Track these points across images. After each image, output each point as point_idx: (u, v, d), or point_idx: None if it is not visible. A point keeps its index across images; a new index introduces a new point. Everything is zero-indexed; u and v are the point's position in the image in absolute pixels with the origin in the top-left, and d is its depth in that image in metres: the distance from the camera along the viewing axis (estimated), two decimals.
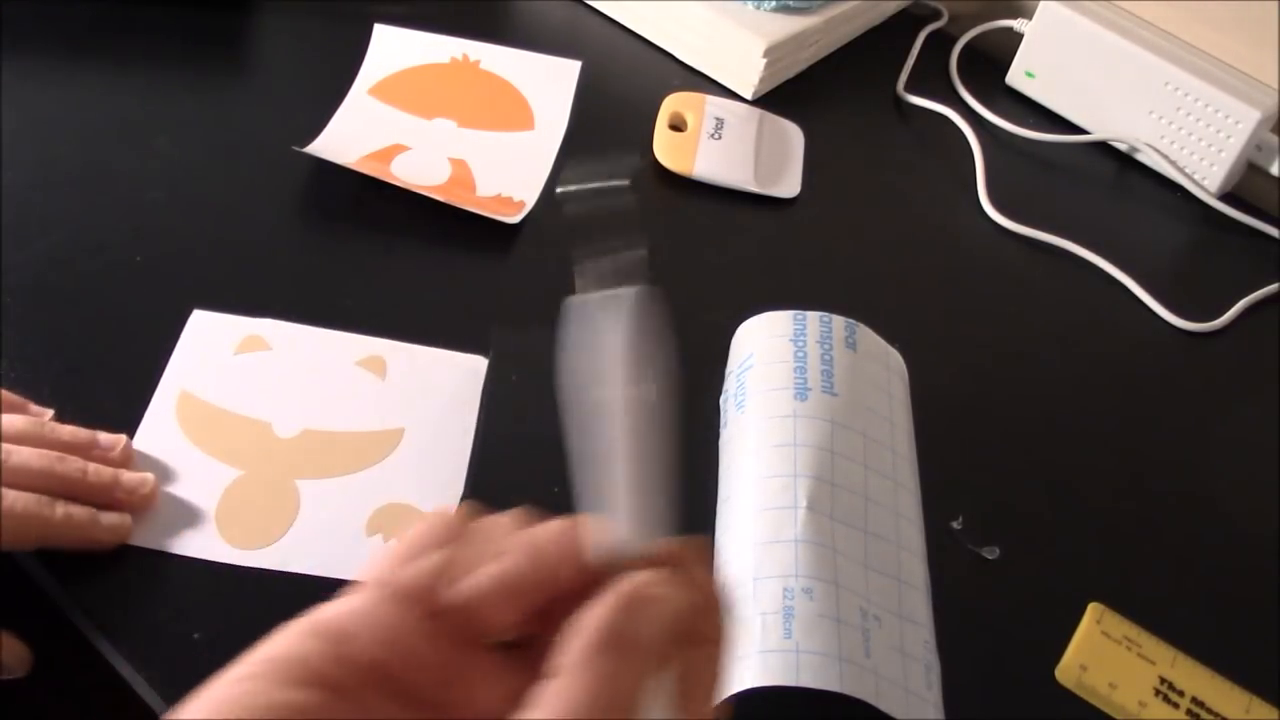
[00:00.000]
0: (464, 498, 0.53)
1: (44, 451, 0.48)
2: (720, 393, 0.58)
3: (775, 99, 0.80)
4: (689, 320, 0.64)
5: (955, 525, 0.57)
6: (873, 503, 0.50)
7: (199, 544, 0.49)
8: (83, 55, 0.70)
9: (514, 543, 0.32)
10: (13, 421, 0.48)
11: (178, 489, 0.51)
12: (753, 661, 0.44)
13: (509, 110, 0.74)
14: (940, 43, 0.89)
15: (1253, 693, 0.53)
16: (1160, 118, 0.81)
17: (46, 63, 0.69)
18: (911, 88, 0.84)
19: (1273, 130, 0.80)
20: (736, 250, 0.70)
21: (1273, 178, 0.82)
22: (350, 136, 0.69)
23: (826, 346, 0.54)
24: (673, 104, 0.76)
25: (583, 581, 0.31)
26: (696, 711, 0.31)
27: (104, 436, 0.50)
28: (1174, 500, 0.62)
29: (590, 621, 0.29)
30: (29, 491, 0.46)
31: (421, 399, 0.56)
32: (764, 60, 0.77)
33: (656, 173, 0.72)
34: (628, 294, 0.33)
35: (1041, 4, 0.83)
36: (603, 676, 0.28)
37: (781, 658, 0.44)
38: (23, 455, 0.47)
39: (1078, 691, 0.52)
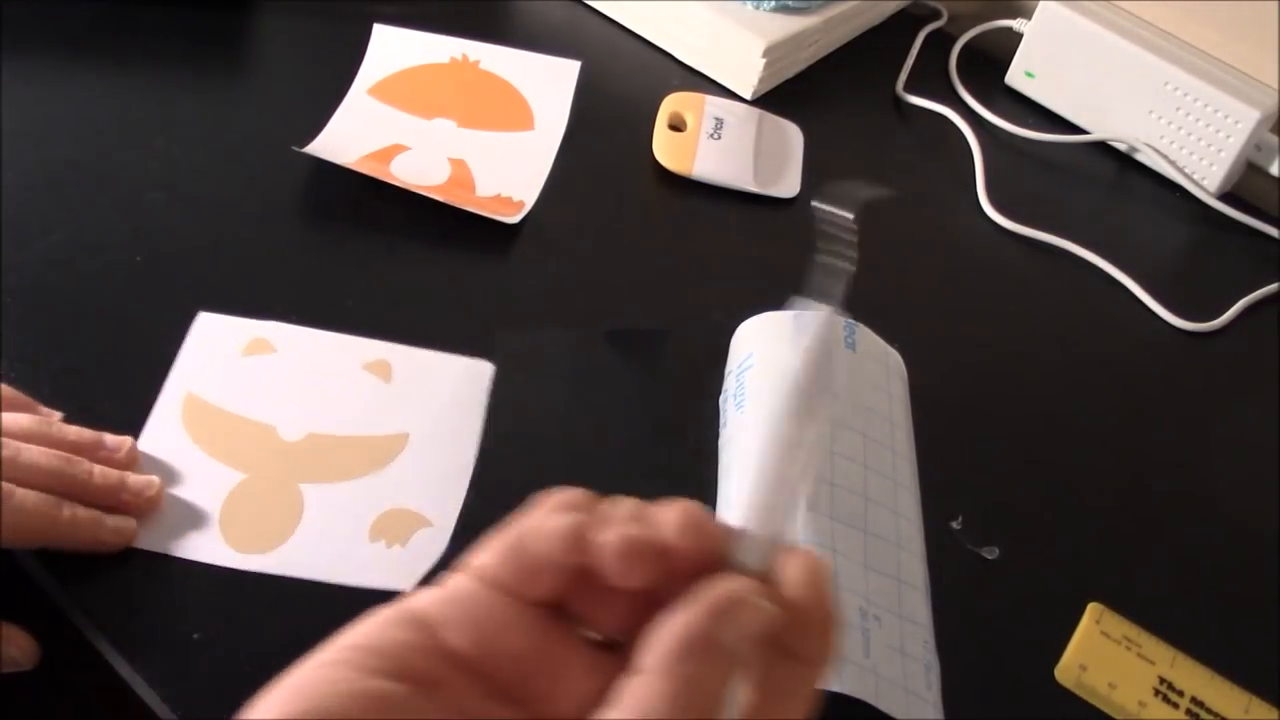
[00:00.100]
0: (467, 500, 0.53)
1: (52, 451, 0.48)
2: (720, 393, 0.58)
3: (775, 99, 0.80)
4: (689, 320, 0.64)
5: (955, 525, 0.57)
6: (872, 502, 0.50)
7: (202, 547, 0.49)
8: (83, 55, 0.70)
9: (632, 513, 0.31)
10: (19, 420, 0.48)
11: (182, 491, 0.51)
12: None
13: (509, 110, 0.74)
14: (940, 43, 0.89)
15: (1252, 693, 0.53)
16: (1160, 118, 0.81)
17: (46, 63, 0.69)
18: (911, 88, 0.84)
19: (1272, 130, 0.80)
20: (736, 250, 0.70)
21: (1272, 178, 0.82)
22: (350, 136, 0.69)
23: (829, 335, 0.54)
24: (672, 104, 0.76)
25: (693, 569, 0.31)
26: None
27: (110, 438, 0.50)
28: (1174, 500, 0.63)
29: (677, 623, 0.29)
30: (37, 491, 0.46)
31: (427, 403, 0.56)
32: (763, 60, 0.77)
33: (656, 173, 0.72)
34: (821, 313, 0.33)
35: (1041, 4, 0.83)
36: (684, 680, 0.28)
37: None
38: (31, 454, 0.47)
39: (1077, 691, 0.52)
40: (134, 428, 0.52)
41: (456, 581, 0.32)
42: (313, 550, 0.50)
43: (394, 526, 0.51)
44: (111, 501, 0.48)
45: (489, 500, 0.53)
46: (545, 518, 0.31)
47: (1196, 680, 0.53)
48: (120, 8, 0.73)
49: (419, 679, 0.30)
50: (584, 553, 0.30)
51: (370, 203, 0.65)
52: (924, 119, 0.83)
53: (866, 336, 0.56)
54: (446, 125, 0.72)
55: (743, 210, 0.72)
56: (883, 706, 0.44)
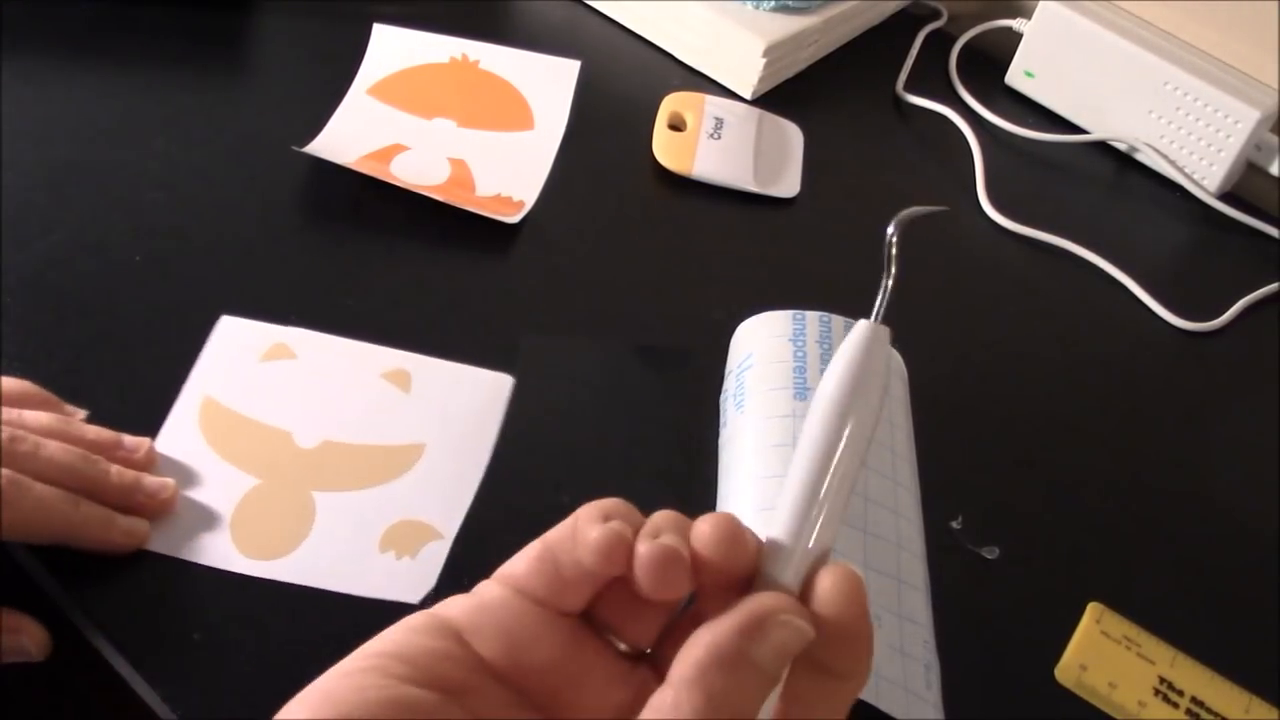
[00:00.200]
0: (471, 507, 0.52)
1: (72, 448, 0.48)
2: (720, 393, 0.58)
3: (775, 99, 0.80)
4: (689, 320, 0.64)
5: (955, 525, 0.57)
6: (872, 503, 0.50)
7: (211, 552, 0.49)
8: (83, 55, 0.70)
9: (666, 525, 0.31)
10: (40, 418, 0.49)
11: (194, 495, 0.51)
12: None
13: (508, 110, 0.74)
14: (940, 43, 0.89)
15: (1253, 693, 0.53)
16: (1160, 118, 0.81)
17: (46, 63, 0.69)
18: (911, 87, 0.84)
19: (1272, 130, 0.80)
20: (736, 250, 0.70)
21: (1272, 178, 0.82)
22: (349, 136, 0.69)
23: (826, 346, 0.54)
24: (672, 104, 0.76)
25: (726, 582, 0.31)
26: None
27: (128, 439, 0.50)
28: (1174, 500, 0.63)
29: (709, 636, 0.28)
30: (55, 486, 0.46)
31: (445, 415, 0.56)
32: (763, 60, 0.77)
33: (656, 173, 0.72)
34: (861, 324, 0.33)
35: (1041, 4, 0.83)
36: (714, 695, 0.28)
37: None
38: (51, 449, 0.47)
39: (1077, 691, 0.52)
40: (134, 427, 0.52)
41: (488, 590, 0.32)
42: (322, 558, 0.49)
43: (404, 538, 0.51)
44: (126, 501, 0.48)
45: (490, 505, 0.53)
46: (579, 528, 0.31)
47: (1197, 680, 0.53)
48: (120, 8, 0.73)
49: (448, 687, 0.30)
50: (617, 564, 0.30)
51: (370, 203, 0.65)
52: (924, 119, 0.83)
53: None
54: (446, 125, 0.72)
55: (743, 210, 0.72)
56: (883, 706, 0.44)
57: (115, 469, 0.48)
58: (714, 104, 0.76)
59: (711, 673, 0.28)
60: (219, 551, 0.49)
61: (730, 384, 0.57)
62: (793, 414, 0.52)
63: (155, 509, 0.49)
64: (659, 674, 0.31)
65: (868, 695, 0.44)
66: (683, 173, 0.72)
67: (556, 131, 0.73)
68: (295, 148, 0.65)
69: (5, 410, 0.48)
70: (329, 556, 0.50)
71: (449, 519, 0.52)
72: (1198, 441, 0.66)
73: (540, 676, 0.31)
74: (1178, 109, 0.80)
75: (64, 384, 0.52)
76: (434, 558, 0.50)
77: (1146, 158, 0.82)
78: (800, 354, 0.54)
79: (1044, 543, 0.59)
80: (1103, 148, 0.84)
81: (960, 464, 0.60)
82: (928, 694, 0.46)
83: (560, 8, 0.83)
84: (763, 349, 0.56)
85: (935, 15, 0.92)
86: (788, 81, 0.82)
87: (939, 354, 0.65)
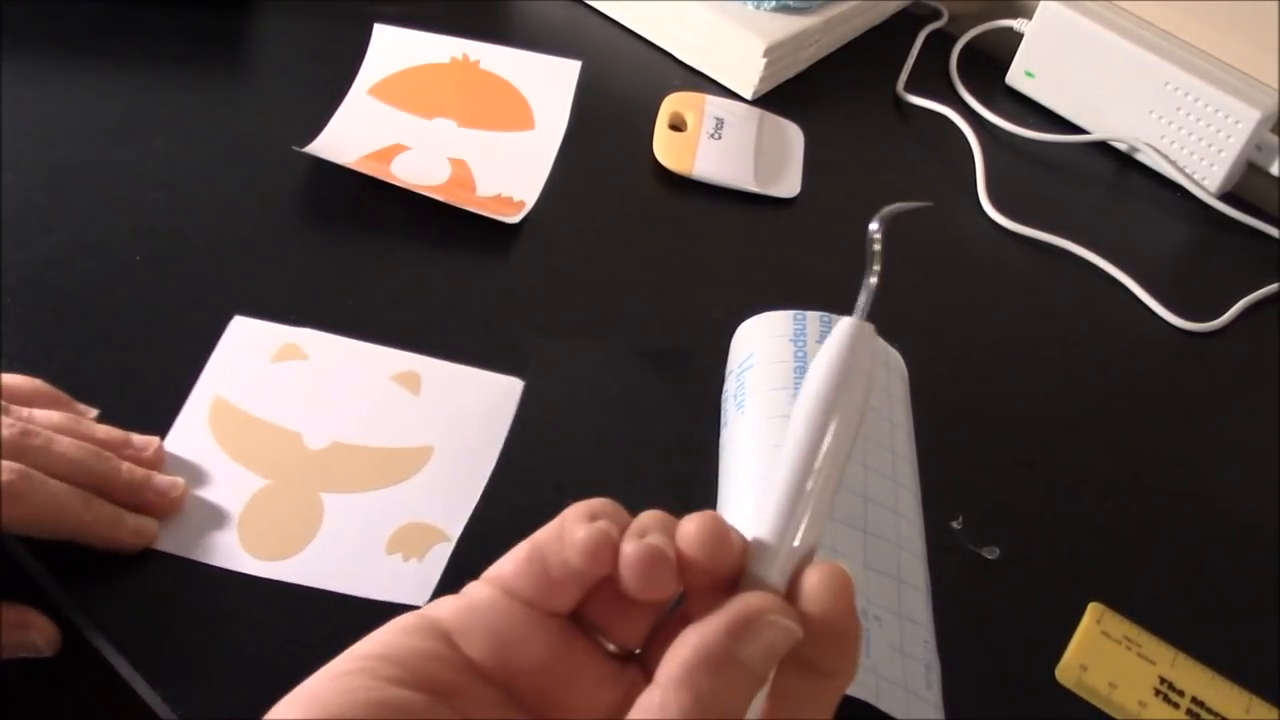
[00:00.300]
0: (476, 508, 0.52)
1: (84, 444, 0.48)
2: (720, 393, 0.58)
3: (775, 99, 0.80)
4: (689, 320, 0.64)
5: (955, 525, 0.57)
6: (872, 503, 0.50)
7: (219, 552, 0.49)
8: (83, 55, 0.70)
9: (652, 524, 0.31)
10: (51, 416, 0.49)
11: (203, 494, 0.51)
12: None
13: (509, 110, 0.74)
14: (940, 43, 0.89)
15: (1253, 693, 0.53)
16: (1160, 118, 0.81)
17: (46, 63, 0.69)
18: (911, 88, 0.84)
19: (1273, 130, 0.80)
20: (736, 250, 0.70)
21: (1273, 178, 0.82)
22: (350, 136, 0.69)
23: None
24: (672, 104, 0.76)
25: (713, 582, 0.31)
26: None
27: (138, 438, 0.51)
28: (1174, 500, 0.63)
29: (697, 636, 0.28)
30: (66, 483, 0.46)
31: (454, 418, 0.56)
32: (764, 60, 0.77)
33: (656, 173, 0.72)
34: (845, 321, 0.32)
35: (1041, 4, 0.83)
36: (701, 695, 0.28)
37: None
38: (63, 445, 0.47)
39: (1078, 691, 0.52)
40: (134, 426, 0.52)
41: (476, 591, 0.31)
42: (329, 560, 0.49)
43: (412, 540, 0.51)
44: (136, 499, 0.48)
45: (494, 507, 0.53)
46: (566, 528, 0.31)
47: (1197, 680, 0.53)
48: (120, 8, 0.73)
49: (437, 688, 0.30)
50: (603, 564, 0.30)
51: (370, 203, 0.65)
52: (924, 119, 0.83)
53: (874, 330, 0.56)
54: (447, 125, 0.72)
55: (743, 210, 0.72)
56: (883, 706, 0.44)
57: (126, 466, 0.49)
58: (714, 104, 0.76)
59: (699, 673, 0.28)
60: (226, 551, 0.49)
61: (731, 384, 0.57)
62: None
63: (165, 508, 0.49)
64: (648, 674, 0.31)
65: (868, 695, 0.44)
66: (683, 173, 0.72)
67: (557, 131, 0.73)
68: (295, 148, 0.65)
69: (16, 408, 0.48)
70: (336, 558, 0.50)
71: (456, 521, 0.52)
72: (1198, 441, 0.66)
73: (529, 677, 0.31)
74: (1178, 109, 0.80)
75: (64, 384, 0.52)
76: (441, 560, 0.50)
77: (1147, 158, 0.82)
78: (801, 354, 0.54)
79: (1044, 543, 0.59)
80: (1103, 148, 0.84)
81: (960, 464, 0.60)
82: (928, 694, 0.46)
83: (560, 8, 0.83)
84: (763, 349, 0.56)
85: (936, 15, 0.92)
86: (788, 81, 0.82)
87: (939, 354, 0.65)
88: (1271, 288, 0.76)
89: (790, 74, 0.82)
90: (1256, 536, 0.62)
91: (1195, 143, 0.80)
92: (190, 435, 0.52)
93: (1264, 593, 0.59)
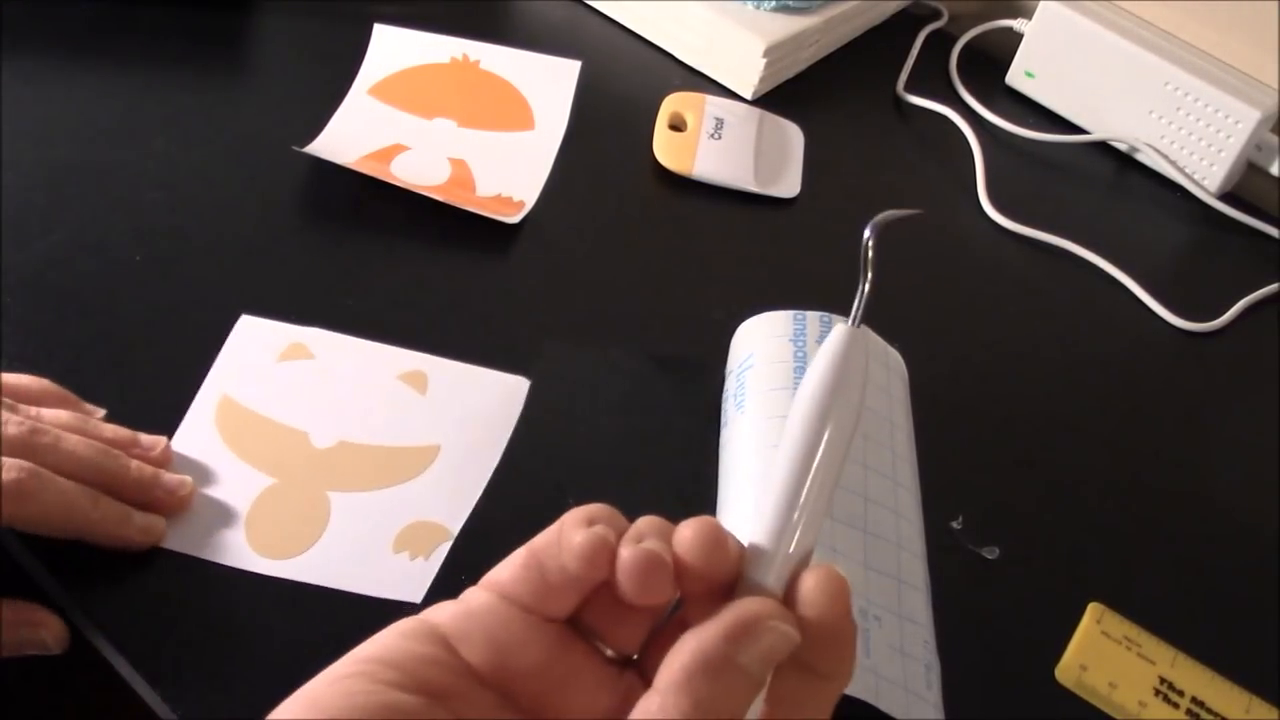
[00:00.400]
0: (477, 507, 0.52)
1: (92, 442, 0.48)
2: (720, 393, 0.58)
3: (775, 99, 0.80)
4: (689, 320, 0.64)
5: (955, 525, 0.57)
6: (872, 502, 0.50)
7: (226, 550, 0.49)
8: (83, 55, 0.70)
9: (649, 530, 0.31)
10: (59, 415, 0.49)
11: (210, 493, 0.51)
12: None
13: (509, 110, 0.74)
14: (940, 43, 0.89)
15: (1253, 693, 0.53)
16: (1160, 118, 0.81)
17: (46, 63, 0.69)
18: (911, 88, 0.84)
19: (1273, 130, 0.80)
20: (736, 250, 0.70)
21: (1273, 178, 0.82)
22: (350, 136, 0.69)
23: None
24: (672, 104, 0.76)
25: (710, 587, 0.31)
26: None
27: (145, 437, 0.51)
28: (1174, 500, 0.63)
29: (695, 641, 0.28)
30: (75, 481, 0.46)
31: (460, 417, 0.56)
32: (764, 60, 0.77)
33: (656, 173, 0.72)
34: (840, 326, 0.33)
35: (1041, 4, 0.83)
36: (700, 700, 0.28)
37: None
38: (71, 443, 0.47)
39: (1078, 691, 0.52)
40: (135, 426, 0.51)
41: (474, 596, 0.32)
42: (335, 558, 0.49)
43: (418, 539, 0.51)
44: (145, 497, 0.48)
45: (495, 506, 0.53)
46: (564, 534, 0.31)
47: (1197, 680, 0.53)
48: (120, 8, 0.73)
49: (435, 692, 0.30)
50: (600, 569, 0.30)
51: (370, 203, 0.65)
52: (924, 119, 0.83)
53: (866, 333, 0.56)
54: (446, 125, 0.72)
55: (743, 210, 0.72)
56: (883, 706, 0.44)
57: (135, 464, 0.49)
58: (714, 104, 0.76)
59: (698, 678, 0.28)
60: (233, 550, 0.49)
61: (731, 384, 0.57)
62: None
63: (173, 506, 0.49)
64: (645, 679, 0.31)
65: (867, 695, 0.44)
66: (683, 173, 0.72)
67: (557, 131, 0.73)
68: (295, 148, 0.65)
69: (24, 406, 0.48)
70: (343, 556, 0.50)
71: (462, 519, 0.52)
72: (1198, 441, 0.66)
73: (527, 681, 0.31)
74: (1178, 109, 0.80)
75: (65, 385, 0.52)
76: (448, 559, 0.50)
77: (1146, 158, 0.82)
78: (801, 354, 0.54)
79: (1044, 543, 0.59)
80: (1103, 148, 0.84)
81: (960, 464, 0.60)
82: (928, 694, 0.46)
83: (560, 8, 0.83)
84: (763, 349, 0.56)
85: (936, 15, 0.92)
86: (788, 81, 0.82)
87: (939, 354, 0.65)
88: (1271, 288, 0.76)
89: (790, 74, 0.82)
90: (1256, 536, 0.62)
91: (1195, 143, 0.80)
92: (197, 434, 0.53)
93: (1264, 593, 0.59)
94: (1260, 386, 0.70)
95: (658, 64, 0.81)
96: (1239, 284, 0.75)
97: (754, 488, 0.50)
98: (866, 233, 0.33)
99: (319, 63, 0.74)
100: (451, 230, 0.65)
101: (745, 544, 0.31)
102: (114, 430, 0.50)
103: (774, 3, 0.78)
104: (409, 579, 0.49)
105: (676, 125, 0.75)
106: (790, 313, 0.56)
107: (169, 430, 0.52)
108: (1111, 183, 0.83)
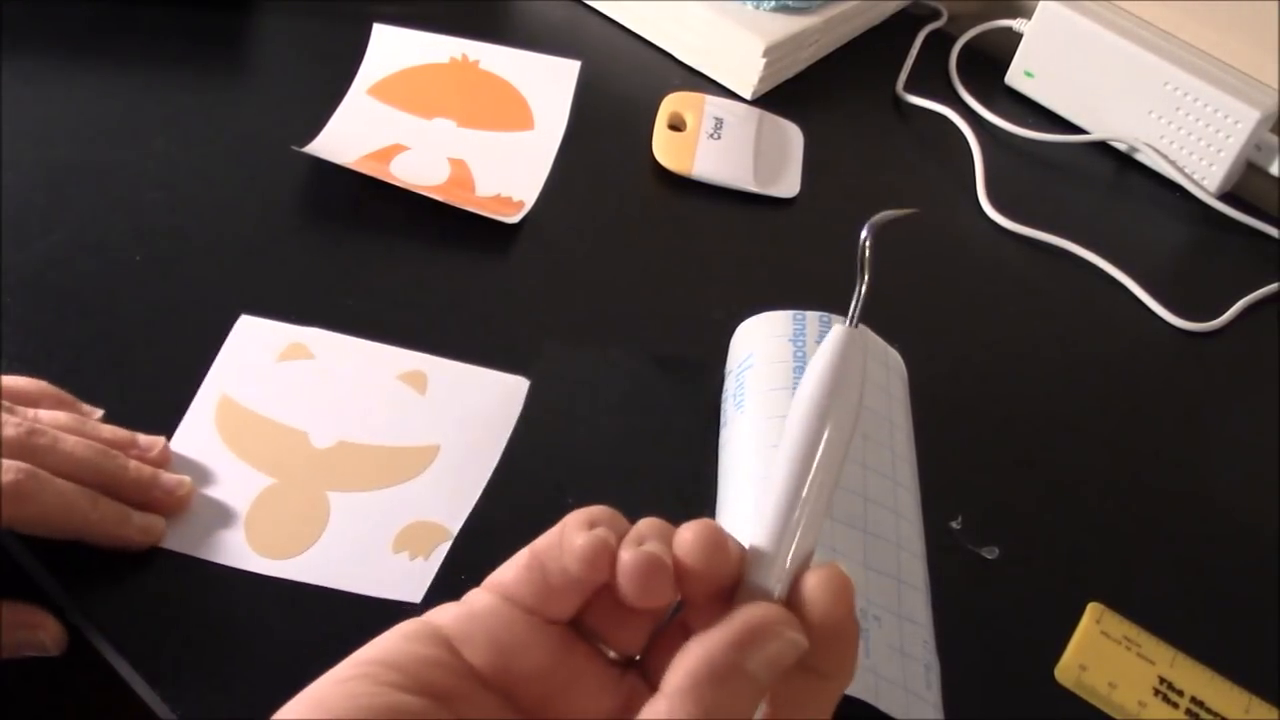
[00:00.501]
0: (476, 506, 0.52)
1: (90, 443, 0.48)
2: (720, 392, 0.58)
3: (775, 99, 0.80)
4: (689, 320, 0.64)
5: (955, 525, 0.57)
6: (872, 502, 0.50)
7: (224, 550, 0.49)
8: (83, 55, 0.70)
9: (650, 532, 0.31)
10: (57, 417, 0.49)
11: (209, 493, 0.51)
12: None
13: (508, 110, 0.74)
14: (940, 43, 0.89)
15: (1252, 693, 0.53)
16: (1160, 118, 0.81)
17: (46, 63, 0.69)
18: (911, 88, 0.84)
19: (1272, 130, 0.80)
20: (736, 250, 0.70)
21: (1272, 178, 0.82)
22: (349, 136, 0.69)
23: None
24: (672, 104, 0.76)
25: (712, 589, 0.31)
26: None
27: (143, 438, 0.51)
28: (1174, 500, 0.63)
29: (703, 648, 0.28)
30: (73, 482, 0.46)
31: (459, 417, 0.56)
32: (763, 60, 0.77)
33: (656, 173, 0.72)
34: (838, 327, 0.33)
35: (1041, 4, 0.83)
36: (707, 706, 0.28)
37: None
38: (69, 444, 0.47)
39: (1077, 691, 0.52)
40: (135, 426, 0.51)
41: (477, 598, 0.32)
42: (335, 558, 0.49)
43: (418, 539, 0.51)
44: (143, 498, 0.48)
45: (494, 505, 0.53)
46: (565, 536, 0.31)
47: (1196, 680, 0.53)
48: (120, 8, 0.73)
49: (438, 694, 0.30)
50: (601, 572, 0.30)
51: (370, 203, 0.65)
52: (924, 119, 0.83)
53: (865, 333, 0.56)
54: (446, 125, 0.72)
55: (743, 210, 0.72)
56: (883, 706, 0.44)
57: (133, 464, 0.49)
58: (714, 104, 0.76)
59: (705, 684, 0.28)
60: (233, 550, 0.49)
61: (730, 384, 0.57)
62: None
63: (172, 506, 0.49)
64: (648, 681, 0.31)
65: (867, 695, 0.44)
66: (683, 173, 0.72)
67: (556, 131, 0.73)
68: (295, 148, 0.65)
69: (22, 408, 0.48)
70: (342, 556, 0.50)
71: (462, 519, 0.52)
72: (1198, 441, 0.66)
73: (529, 683, 0.31)
74: (1178, 109, 0.80)
75: (65, 385, 0.52)
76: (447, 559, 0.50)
77: (1146, 158, 0.82)
78: (800, 354, 0.54)
79: (1044, 543, 0.59)
80: (1103, 148, 0.84)
81: (960, 464, 0.60)
82: (928, 694, 0.46)
83: (560, 8, 0.83)
84: (763, 349, 0.56)
85: (935, 15, 0.92)
86: (788, 81, 0.82)
87: (939, 354, 0.65)
88: (1271, 288, 0.76)
89: (790, 74, 0.82)
90: (1256, 536, 0.62)
91: (1195, 143, 0.80)
92: (197, 434, 0.53)
93: (1264, 593, 0.59)
94: (1260, 386, 0.70)
95: (657, 64, 0.81)
96: (1239, 284, 0.75)
97: (754, 487, 0.50)
98: (864, 233, 0.33)
99: (319, 63, 0.74)
100: (451, 230, 0.65)
101: (746, 546, 0.31)
102: (112, 431, 0.50)
103: (774, 3, 0.79)
104: (408, 579, 0.49)
105: (676, 125, 0.75)
106: (790, 313, 0.56)
107: (168, 430, 0.52)
108: (1111, 183, 0.83)
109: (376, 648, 0.31)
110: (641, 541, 0.31)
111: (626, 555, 0.30)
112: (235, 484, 0.51)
